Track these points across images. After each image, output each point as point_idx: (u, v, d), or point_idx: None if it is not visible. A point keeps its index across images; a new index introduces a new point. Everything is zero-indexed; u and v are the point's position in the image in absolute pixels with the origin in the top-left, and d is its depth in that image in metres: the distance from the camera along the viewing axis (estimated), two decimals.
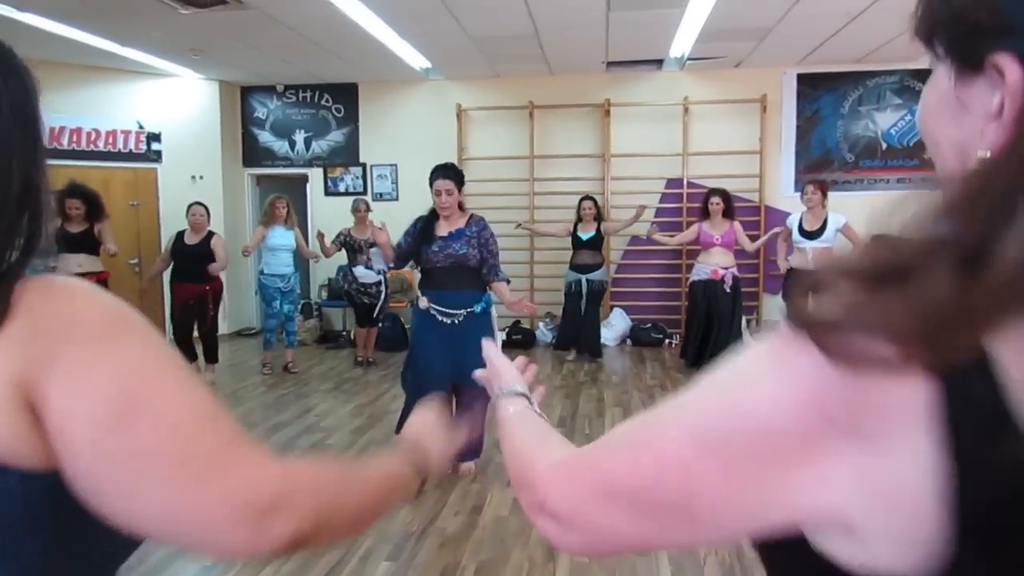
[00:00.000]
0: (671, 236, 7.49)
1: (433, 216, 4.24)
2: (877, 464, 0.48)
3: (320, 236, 7.03)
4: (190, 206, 6.59)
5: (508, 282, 4.38)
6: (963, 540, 0.46)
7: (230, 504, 0.67)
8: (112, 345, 0.68)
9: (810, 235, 6.38)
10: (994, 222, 0.45)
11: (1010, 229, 0.44)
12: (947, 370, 0.46)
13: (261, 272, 7.05)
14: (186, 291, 6.46)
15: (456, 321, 4.16)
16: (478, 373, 1.13)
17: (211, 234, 6.53)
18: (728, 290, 6.88)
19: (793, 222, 6.56)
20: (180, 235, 6.56)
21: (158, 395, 0.68)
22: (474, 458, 4.30)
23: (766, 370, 0.54)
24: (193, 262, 6.40)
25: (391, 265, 4.57)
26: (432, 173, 4.22)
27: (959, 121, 0.54)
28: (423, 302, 4.21)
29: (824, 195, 6.45)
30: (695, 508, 0.56)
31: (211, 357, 6.65)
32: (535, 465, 0.71)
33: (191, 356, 6.60)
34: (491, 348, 1.12)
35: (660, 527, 0.58)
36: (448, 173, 4.20)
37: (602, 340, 8.03)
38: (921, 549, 0.47)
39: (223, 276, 6.75)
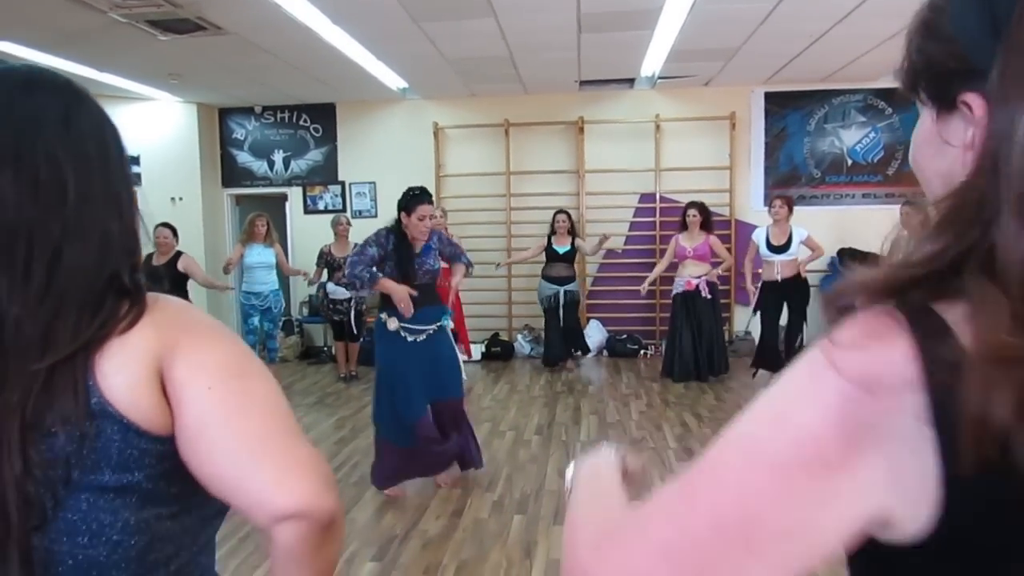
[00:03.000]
0: (652, 274, 7.57)
1: (403, 234, 4.08)
2: (898, 454, 0.54)
3: (305, 275, 7.50)
4: (155, 227, 6.67)
5: (470, 266, 4.52)
6: (953, 506, 0.52)
7: (305, 465, 0.83)
8: (221, 335, 0.89)
9: (777, 249, 6.62)
10: (968, 228, 0.54)
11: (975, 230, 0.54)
12: (923, 345, 0.53)
13: (240, 289, 7.13)
14: None
15: (425, 337, 4.09)
16: None
17: (179, 254, 6.60)
18: (707, 295, 7.06)
19: (760, 237, 6.79)
20: (148, 258, 6.64)
21: (261, 370, 0.90)
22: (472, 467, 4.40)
23: (805, 384, 0.58)
24: (161, 284, 6.44)
25: (359, 292, 4.42)
26: (413, 198, 4.05)
27: (943, 154, 0.62)
28: (392, 324, 4.03)
29: (790, 210, 6.70)
30: (755, 538, 0.55)
31: None
32: (577, 551, 0.62)
33: None
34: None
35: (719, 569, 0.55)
36: (430, 198, 4.15)
37: (578, 351, 8.23)
38: (928, 517, 0.53)
39: (205, 295, 6.83)
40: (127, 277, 0.85)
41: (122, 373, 0.80)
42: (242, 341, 0.92)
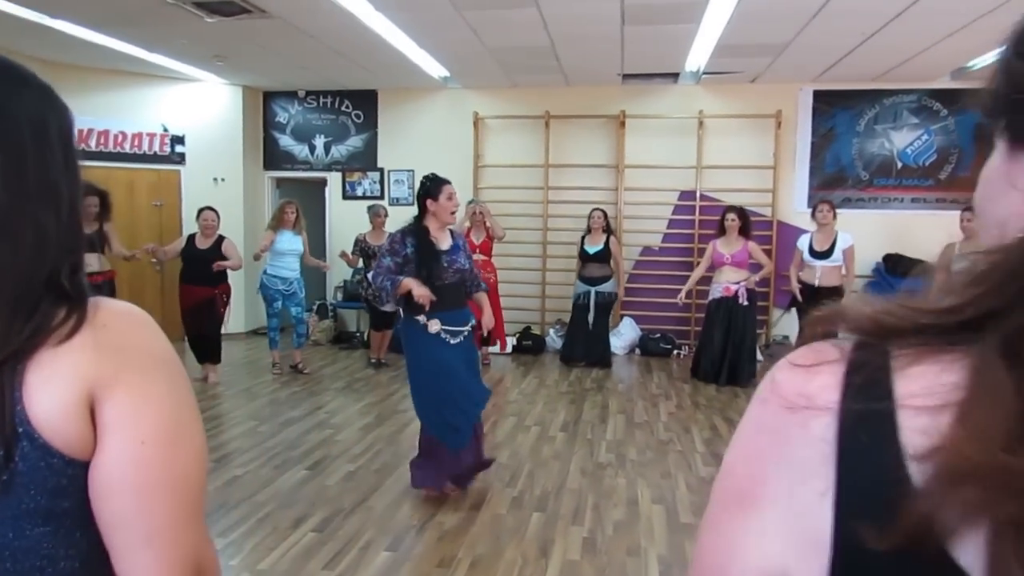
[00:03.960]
0: (687, 283, 7.31)
1: (424, 231, 3.91)
2: (801, 500, 0.50)
3: (343, 254, 7.42)
4: (201, 211, 6.74)
5: (486, 289, 4.27)
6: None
7: (183, 564, 0.79)
8: (165, 375, 0.80)
9: (820, 255, 6.46)
10: (999, 293, 0.47)
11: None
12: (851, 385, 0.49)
13: (264, 272, 7.16)
14: (195, 294, 6.62)
15: (460, 339, 3.89)
16: None
17: (221, 238, 6.68)
18: (745, 302, 6.90)
19: (803, 243, 6.66)
20: (191, 239, 6.73)
21: (192, 428, 0.82)
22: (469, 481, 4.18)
23: (751, 409, 0.57)
24: (203, 266, 6.55)
25: (385, 306, 4.07)
26: (435, 181, 3.93)
27: (1006, 198, 0.53)
28: (434, 326, 3.79)
29: (835, 215, 6.53)
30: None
31: (215, 357, 6.80)
32: None
33: (200, 356, 6.82)
34: None
35: None
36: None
37: (612, 349, 8.12)
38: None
39: (239, 276, 6.89)
40: (66, 279, 0.78)
41: (50, 394, 0.73)
42: (184, 379, 0.84)
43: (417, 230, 3.91)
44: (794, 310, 6.85)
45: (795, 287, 6.73)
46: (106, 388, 0.75)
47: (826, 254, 6.45)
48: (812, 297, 6.48)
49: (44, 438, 0.73)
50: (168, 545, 0.78)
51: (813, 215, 6.64)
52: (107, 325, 0.78)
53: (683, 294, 7.21)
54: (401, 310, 3.97)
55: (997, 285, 0.47)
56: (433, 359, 3.83)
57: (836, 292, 6.42)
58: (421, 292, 3.71)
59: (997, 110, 0.54)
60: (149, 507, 0.77)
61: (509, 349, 8.30)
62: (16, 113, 0.77)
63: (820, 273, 6.43)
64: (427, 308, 3.76)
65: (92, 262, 6.26)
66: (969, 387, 0.46)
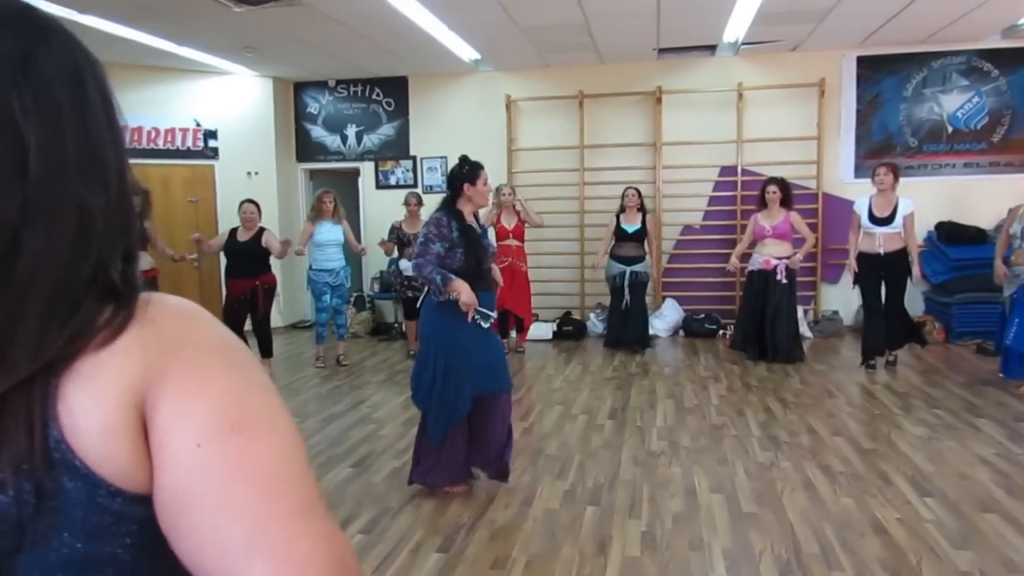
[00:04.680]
0: (734, 253, 7.21)
1: (460, 215, 3.81)
2: None
3: (382, 242, 7.38)
4: (241, 203, 6.69)
5: None
6: None
7: (312, 562, 0.61)
8: (225, 363, 0.66)
9: (880, 221, 6.14)
10: None
11: None
12: None
13: (310, 268, 7.14)
14: (239, 287, 6.58)
15: (489, 324, 3.81)
16: None
17: (262, 230, 6.63)
18: (783, 280, 6.72)
19: (862, 207, 6.30)
20: (232, 232, 6.68)
21: (271, 415, 0.65)
22: (502, 478, 3.97)
23: None
24: (245, 258, 6.51)
25: (437, 297, 3.75)
26: (474, 166, 3.87)
27: None
28: (472, 311, 3.72)
29: (896, 178, 6.20)
30: None
31: (266, 352, 6.77)
32: None
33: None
34: None
35: None
36: None
37: (654, 331, 7.95)
38: None
39: (278, 270, 6.85)
40: (117, 271, 0.64)
41: (93, 410, 0.59)
42: (251, 364, 0.69)
43: (457, 213, 3.80)
44: (858, 287, 6.51)
45: (852, 261, 6.36)
46: (154, 392, 0.61)
47: (887, 220, 6.13)
48: (878, 265, 6.19)
49: (87, 465, 0.59)
50: (278, 549, 0.60)
51: (873, 179, 6.31)
52: (156, 320, 0.64)
53: (733, 258, 7.08)
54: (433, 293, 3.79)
55: None
56: (463, 343, 3.72)
57: (903, 258, 6.11)
58: (469, 300, 3.64)
59: None
60: (233, 514, 0.60)
61: (548, 335, 8.16)
62: (48, 70, 0.62)
63: (882, 240, 6.13)
64: (464, 307, 3.67)
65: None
66: None
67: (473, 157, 4.01)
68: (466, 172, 3.85)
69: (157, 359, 0.62)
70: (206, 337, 0.66)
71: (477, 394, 3.77)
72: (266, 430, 0.64)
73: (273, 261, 6.82)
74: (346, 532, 3.43)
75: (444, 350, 3.73)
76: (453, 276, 3.65)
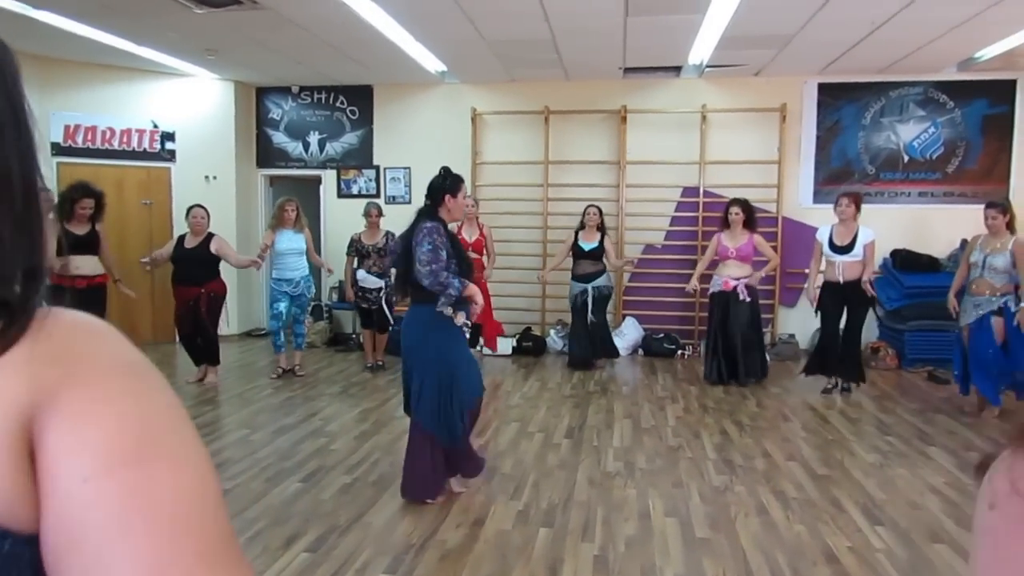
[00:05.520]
0: (695, 272, 7.18)
1: (445, 225, 3.88)
2: None
3: (329, 270, 7.63)
4: (190, 209, 6.54)
5: None
6: None
7: None
8: (130, 384, 0.58)
9: (841, 249, 6.23)
10: None
11: None
12: None
13: (271, 276, 7.02)
14: (185, 294, 6.48)
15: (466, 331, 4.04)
16: None
17: (210, 236, 6.48)
18: (746, 298, 6.75)
19: (823, 235, 6.40)
20: (181, 240, 6.55)
21: (180, 442, 0.59)
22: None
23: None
24: (191, 266, 6.38)
25: (451, 300, 3.79)
26: (457, 178, 3.93)
27: None
28: (460, 318, 3.82)
29: (858, 209, 6.30)
30: None
31: (212, 359, 6.63)
32: None
33: (194, 358, 6.68)
34: None
35: None
36: None
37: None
38: None
39: (231, 277, 6.72)
40: (16, 286, 0.57)
41: None
42: (158, 385, 0.60)
43: (443, 223, 3.88)
44: (819, 314, 6.56)
45: (813, 289, 6.46)
46: (43, 414, 0.54)
47: (847, 248, 6.22)
48: (839, 293, 6.26)
49: None
50: None
51: (835, 208, 6.39)
52: (51, 335, 0.57)
53: (694, 280, 7.07)
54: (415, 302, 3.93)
55: None
56: (453, 351, 3.86)
57: (860, 287, 6.20)
58: (481, 302, 3.85)
59: None
60: (123, 560, 0.53)
61: (508, 351, 8.10)
62: None
63: (842, 268, 6.21)
64: (475, 312, 3.90)
65: (85, 265, 6.05)
66: None
67: (437, 169, 4.02)
68: (448, 184, 3.91)
69: (48, 377, 0.54)
70: (107, 354, 0.59)
71: (469, 408, 3.96)
72: (170, 462, 0.57)
73: (226, 268, 6.68)
74: (291, 550, 3.33)
75: (446, 366, 3.81)
76: (465, 280, 3.78)
